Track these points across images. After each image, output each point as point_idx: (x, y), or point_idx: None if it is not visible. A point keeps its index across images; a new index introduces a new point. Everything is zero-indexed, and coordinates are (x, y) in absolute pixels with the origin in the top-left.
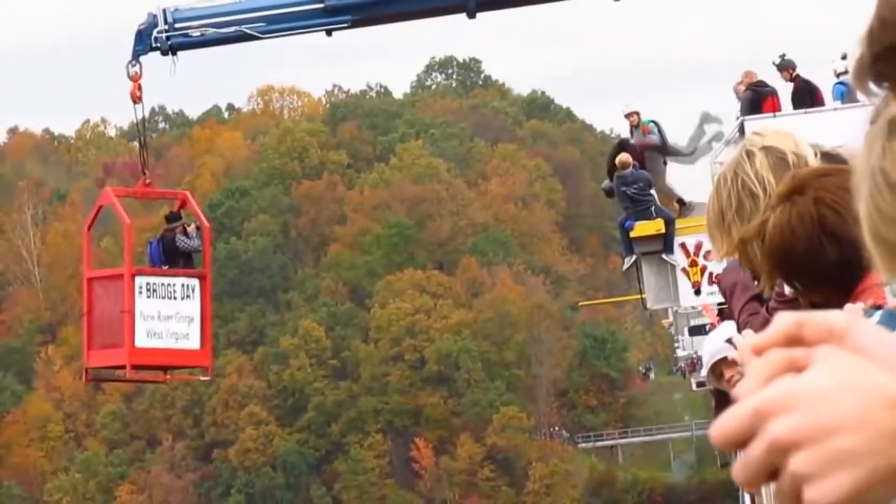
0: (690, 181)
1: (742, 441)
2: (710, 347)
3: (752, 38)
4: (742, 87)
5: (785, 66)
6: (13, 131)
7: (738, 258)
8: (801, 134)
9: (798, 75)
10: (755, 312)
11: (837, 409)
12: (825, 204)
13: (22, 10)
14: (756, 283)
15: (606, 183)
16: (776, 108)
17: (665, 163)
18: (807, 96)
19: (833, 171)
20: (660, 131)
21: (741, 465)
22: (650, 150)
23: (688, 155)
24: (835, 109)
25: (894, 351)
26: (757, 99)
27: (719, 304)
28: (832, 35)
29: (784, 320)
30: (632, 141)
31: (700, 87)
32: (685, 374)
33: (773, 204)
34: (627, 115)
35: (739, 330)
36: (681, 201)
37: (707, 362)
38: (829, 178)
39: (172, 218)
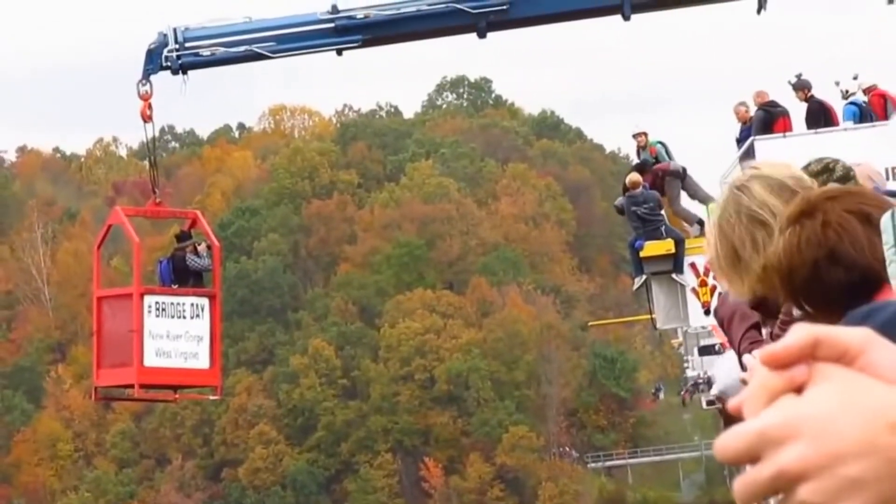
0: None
1: (745, 460)
2: (725, 381)
3: (763, 59)
4: (743, 109)
5: (801, 86)
6: (23, 150)
7: (763, 288)
8: (812, 154)
9: (812, 95)
10: (756, 341)
11: (843, 434)
12: (832, 227)
13: (32, 31)
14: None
15: (619, 200)
16: (788, 128)
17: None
18: (820, 117)
19: (842, 194)
20: (667, 152)
21: (743, 485)
22: (671, 176)
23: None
24: (845, 130)
25: None
26: (769, 119)
27: None
28: (842, 57)
29: (800, 334)
30: (651, 165)
31: (710, 107)
32: (685, 402)
33: (783, 227)
34: (635, 136)
35: (740, 359)
36: (701, 222)
37: (719, 393)
38: (838, 201)
39: (182, 237)
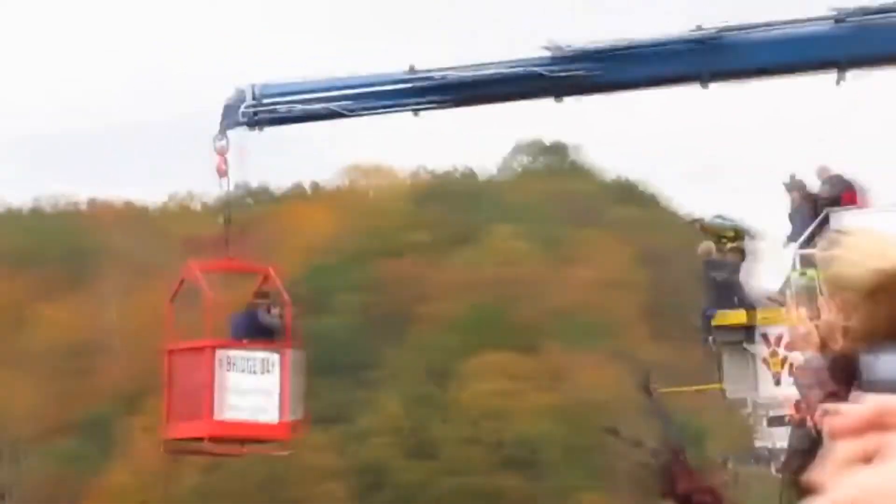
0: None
1: None
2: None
3: (837, 131)
4: (797, 192)
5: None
6: (97, 202)
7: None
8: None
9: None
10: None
11: None
12: None
13: (112, 86)
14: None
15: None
16: (854, 201)
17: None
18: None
19: None
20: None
21: None
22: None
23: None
24: None
25: None
26: (835, 192)
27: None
28: None
29: (869, 403)
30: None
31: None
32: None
33: (858, 300)
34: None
35: (815, 428)
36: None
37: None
38: None
39: (260, 294)
